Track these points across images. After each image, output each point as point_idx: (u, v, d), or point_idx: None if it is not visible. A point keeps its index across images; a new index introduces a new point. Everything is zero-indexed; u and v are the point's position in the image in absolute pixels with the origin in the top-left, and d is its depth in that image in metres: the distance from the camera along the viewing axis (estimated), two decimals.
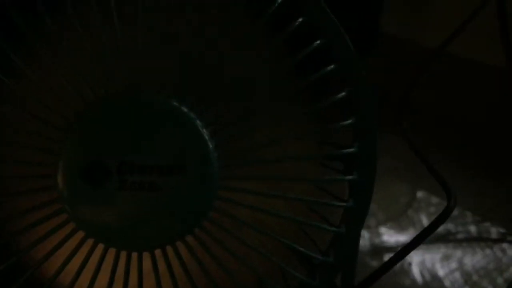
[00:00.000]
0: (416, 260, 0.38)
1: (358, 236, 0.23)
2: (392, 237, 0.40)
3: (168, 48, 0.20)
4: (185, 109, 0.20)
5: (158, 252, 0.21)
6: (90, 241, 0.20)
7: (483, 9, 0.39)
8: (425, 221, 0.41)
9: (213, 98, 0.20)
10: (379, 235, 0.40)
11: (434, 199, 0.43)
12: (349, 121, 0.22)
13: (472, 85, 0.49)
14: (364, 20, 0.45)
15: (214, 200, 0.20)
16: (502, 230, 0.40)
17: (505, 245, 0.39)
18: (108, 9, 0.20)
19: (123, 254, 0.20)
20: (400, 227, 0.41)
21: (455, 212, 0.40)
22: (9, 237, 0.21)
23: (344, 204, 0.22)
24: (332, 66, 0.21)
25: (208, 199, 0.20)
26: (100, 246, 0.20)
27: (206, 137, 0.20)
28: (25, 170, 0.20)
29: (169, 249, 0.21)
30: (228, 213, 0.21)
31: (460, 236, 0.41)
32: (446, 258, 0.38)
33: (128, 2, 0.20)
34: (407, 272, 0.36)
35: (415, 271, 0.37)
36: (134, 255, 0.21)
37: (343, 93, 0.21)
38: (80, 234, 0.20)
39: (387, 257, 0.33)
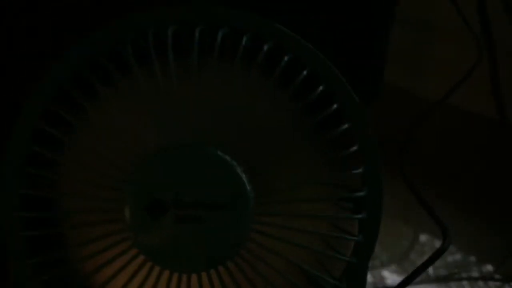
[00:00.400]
0: None
1: (366, 268, 0.27)
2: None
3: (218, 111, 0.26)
4: (228, 158, 0.25)
5: (204, 275, 0.25)
6: (148, 264, 0.25)
7: (480, 63, 0.44)
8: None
9: (252, 151, 0.25)
10: (382, 278, 0.43)
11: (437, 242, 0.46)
12: (359, 170, 0.26)
13: (471, 136, 0.54)
14: (369, 71, 0.50)
15: (250, 232, 0.25)
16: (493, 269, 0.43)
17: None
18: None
19: (175, 276, 0.25)
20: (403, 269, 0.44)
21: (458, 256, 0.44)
22: (82, 260, 0.25)
23: (355, 238, 0.27)
24: (346, 126, 0.26)
25: (245, 231, 0.25)
26: (156, 269, 0.25)
27: (245, 180, 0.25)
28: (99, 204, 0.25)
29: (212, 272, 0.25)
30: (261, 243, 0.25)
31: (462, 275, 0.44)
32: None
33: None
34: None
35: None
36: (184, 277, 0.25)
37: (355, 148, 0.26)
38: (140, 259, 0.25)
39: None
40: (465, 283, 0.43)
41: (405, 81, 0.57)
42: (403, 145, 0.44)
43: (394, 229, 0.47)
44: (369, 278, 0.42)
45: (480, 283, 0.43)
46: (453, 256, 0.45)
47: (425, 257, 0.39)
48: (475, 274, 0.44)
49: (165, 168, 0.25)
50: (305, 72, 0.26)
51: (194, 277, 0.25)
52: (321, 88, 0.26)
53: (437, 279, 0.43)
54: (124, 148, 0.25)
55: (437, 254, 0.29)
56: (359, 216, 0.27)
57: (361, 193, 0.27)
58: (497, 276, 0.42)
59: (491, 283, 0.42)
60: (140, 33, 0.26)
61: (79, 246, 0.26)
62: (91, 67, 0.26)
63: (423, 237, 0.47)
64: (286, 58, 0.26)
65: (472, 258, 0.46)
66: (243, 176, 0.25)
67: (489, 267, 0.44)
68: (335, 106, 0.26)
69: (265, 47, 0.26)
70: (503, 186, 0.48)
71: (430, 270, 0.43)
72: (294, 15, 0.41)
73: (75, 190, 0.26)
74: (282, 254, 0.26)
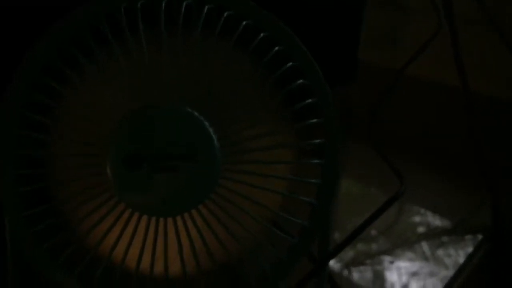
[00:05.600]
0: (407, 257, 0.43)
1: (328, 209, 0.30)
2: None
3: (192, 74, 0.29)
4: (196, 114, 0.28)
5: (178, 218, 0.28)
6: (128, 211, 0.28)
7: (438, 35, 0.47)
8: None
9: (218, 107, 0.28)
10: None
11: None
12: (316, 120, 0.30)
13: (434, 103, 0.56)
14: (344, 51, 0.53)
15: (220, 179, 0.28)
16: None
17: None
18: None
19: (153, 220, 0.28)
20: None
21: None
22: (69, 212, 0.28)
23: (315, 181, 0.30)
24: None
25: (215, 177, 0.28)
26: (136, 215, 0.28)
27: (212, 133, 0.28)
28: (80, 159, 0.28)
29: (186, 216, 0.28)
30: (230, 188, 0.28)
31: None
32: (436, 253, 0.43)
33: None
34: None
35: None
36: (161, 220, 0.28)
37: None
38: (121, 207, 0.28)
39: None
40: (426, 241, 0.45)
41: (379, 59, 0.60)
42: (371, 113, 0.47)
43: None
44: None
45: (444, 238, 0.45)
46: (418, 217, 0.48)
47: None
48: (437, 231, 0.46)
49: (141, 126, 0.28)
50: (262, 34, 0.29)
51: (170, 220, 0.28)
52: (277, 48, 0.29)
53: (401, 238, 0.45)
54: (105, 111, 0.28)
55: (391, 200, 0.32)
56: (318, 161, 0.30)
57: (319, 141, 0.30)
58: (457, 231, 0.45)
59: (452, 238, 0.45)
60: (114, 8, 0.29)
61: (67, 199, 0.28)
62: (74, 43, 0.29)
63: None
64: (244, 23, 0.29)
65: (435, 217, 0.48)
66: (210, 129, 0.28)
67: (449, 224, 0.46)
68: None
69: (225, 14, 0.29)
70: (464, 149, 0.50)
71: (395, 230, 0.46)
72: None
73: (63, 150, 0.29)
74: (250, 198, 0.29)
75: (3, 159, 0.28)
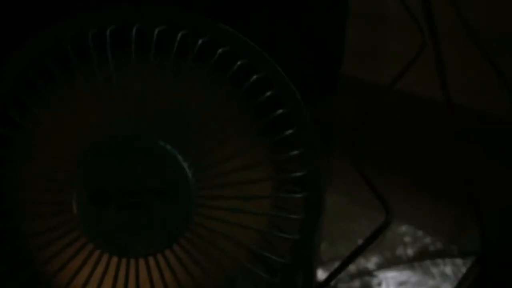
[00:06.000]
0: (400, 280, 0.41)
1: (312, 243, 0.29)
2: None
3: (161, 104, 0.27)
4: (169, 147, 0.26)
5: (151, 258, 0.26)
6: (97, 252, 0.26)
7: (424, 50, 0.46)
8: None
9: (191, 139, 0.27)
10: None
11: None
12: (297, 152, 0.28)
13: (420, 119, 0.55)
14: (324, 65, 0.52)
15: (194, 215, 0.26)
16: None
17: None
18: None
19: (123, 262, 0.26)
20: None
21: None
22: (35, 250, 0.26)
23: (297, 216, 0.28)
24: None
25: (189, 214, 0.26)
26: (105, 256, 0.26)
27: (185, 166, 0.26)
28: (44, 196, 0.26)
29: (159, 256, 0.26)
30: (205, 226, 0.26)
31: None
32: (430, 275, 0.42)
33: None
34: None
35: None
36: (132, 261, 0.26)
37: (291, 131, 0.28)
38: (89, 247, 0.26)
39: None
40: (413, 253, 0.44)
41: (361, 72, 0.59)
42: (354, 130, 0.45)
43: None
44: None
45: (438, 260, 0.44)
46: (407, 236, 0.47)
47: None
48: (430, 251, 0.45)
49: (108, 159, 0.26)
50: (239, 63, 0.28)
51: (141, 261, 0.26)
52: (255, 76, 0.27)
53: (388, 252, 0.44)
54: (69, 143, 0.26)
55: (380, 230, 0.31)
56: (299, 195, 0.28)
57: (300, 173, 0.28)
58: (451, 252, 0.44)
59: (446, 260, 0.44)
60: (81, 33, 0.27)
61: (31, 236, 0.27)
62: (35, 68, 0.27)
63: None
64: (220, 51, 0.27)
65: (426, 237, 0.47)
66: (183, 163, 0.26)
67: (440, 244, 0.46)
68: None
69: (200, 41, 0.27)
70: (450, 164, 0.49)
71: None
72: (249, 13, 0.42)
73: (25, 184, 0.27)
74: (227, 235, 0.27)
75: None
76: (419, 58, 0.47)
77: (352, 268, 0.41)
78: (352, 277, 0.40)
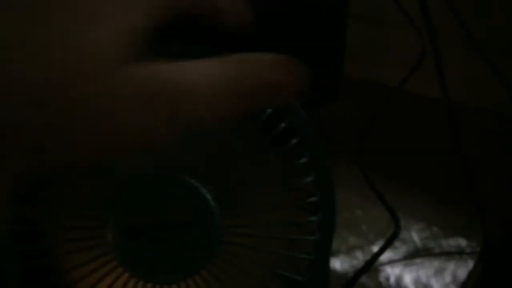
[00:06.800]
0: (411, 277, 0.44)
1: (327, 262, 0.31)
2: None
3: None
4: (198, 184, 0.28)
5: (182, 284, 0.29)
6: (133, 281, 0.29)
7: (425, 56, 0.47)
8: None
9: (215, 175, 0.29)
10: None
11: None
12: (311, 178, 0.30)
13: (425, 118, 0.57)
14: (327, 71, 0.53)
15: (220, 244, 0.29)
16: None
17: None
18: None
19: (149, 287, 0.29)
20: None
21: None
22: (74, 283, 0.29)
23: (312, 238, 0.31)
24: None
25: (216, 243, 0.29)
26: (140, 284, 0.29)
27: (210, 199, 0.28)
28: (84, 232, 0.29)
29: (189, 281, 0.29)
30: (231, 252, 0.29)
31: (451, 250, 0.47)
32: (440, 272, 0.44)
33: None
34: None
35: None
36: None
37: (305, 159, 0.30)
38: (125, 277, 0.29)
39: None
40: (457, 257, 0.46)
41: (364, 74, 0.60)
42: (362, 136, 0.47)
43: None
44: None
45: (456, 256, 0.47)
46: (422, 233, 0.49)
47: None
48: (438, 247, 0.47)
49: (139, 195, 0.28)
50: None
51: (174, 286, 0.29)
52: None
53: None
54: (104, 180, 0.29)
55: (393, 236, 0.33)
56: (315, 218, 0.31)
57: (315, 198, 0.30)
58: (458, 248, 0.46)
59: (464, 256, 0.46)
60: None
61: (69, 271, 0.29)
62: None
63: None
64: None
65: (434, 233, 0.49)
66: (208, 195, 0.28)
67: (447, 240, 0.47)
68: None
69: None
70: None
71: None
72: None
73: (61, 222, 0.29)
74: (252, 259, 0.29)
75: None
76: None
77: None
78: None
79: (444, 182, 0.53)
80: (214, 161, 0.29)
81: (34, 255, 0.29)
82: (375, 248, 0.47)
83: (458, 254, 0.47)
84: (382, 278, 0.44)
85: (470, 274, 0.44)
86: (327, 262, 0.31)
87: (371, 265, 0.33)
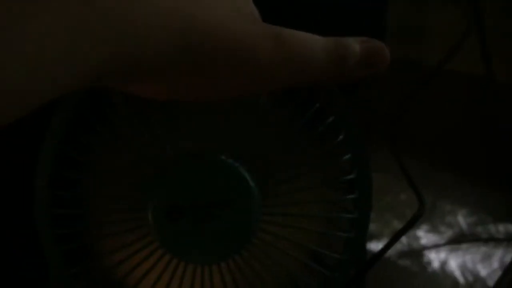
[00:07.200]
0: (457, 262, 0.43)
1: (363, 240, 0.31)
2: None
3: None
4: (232, 162, 0.29)
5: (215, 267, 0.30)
6: (174, 261, 0.29)
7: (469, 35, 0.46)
8: None
9: (256, 158, 0.29)
10: None
11: None
12: (347, 156, 0.30)
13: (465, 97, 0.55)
14: None
15: (259, 223, 0.29)
16: None
17: None
18: None
19: (190, 267, 0.29)
20: None
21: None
22: (115, 266, 0.30)
23: (350, 215, 0.31)
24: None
25: (255, 222, 0.29)
26: (182, 264, 0.30)
27: (248, 179, 0.29)
28: (125, 215, 0.30)
29: (229, 261, 0.29)
30: (271, 231, 0.29)
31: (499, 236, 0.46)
32: (487, 258, 0.43)
33: None
34: (448, 274, 0.41)
35: (457, 273, 0.42)
36: (198, 268, 0.30)
37: (341, 137, 0.30)
38: (161, 251, 0.29)
39: None
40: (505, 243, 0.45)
41: (405, 53, 0.59)
42: (394, 118, 0.46)
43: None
44: None
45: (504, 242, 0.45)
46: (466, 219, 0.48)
47: None
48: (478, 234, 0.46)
49: (179, 176, 0.29)
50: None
51: (206, 269, 0.30)
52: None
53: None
54: (143, 162, 0.30)
55: (412, 221, 0.32)
56: (352, 196, 0.31)
57: (351, 176, 0.30)
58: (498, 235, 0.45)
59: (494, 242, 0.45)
60: None
61: (111, 253, 0.30)
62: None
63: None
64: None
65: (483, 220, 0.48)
66: (247, 175, 0.29)
67: (487, 227, 0.46)
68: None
69: None
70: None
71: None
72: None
73: (103, 205, 0.30)
74: (289, 238, 0.30)
75: (43, 220, 0.30)
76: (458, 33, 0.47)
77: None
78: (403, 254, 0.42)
79: (490, 166, 0.51)
80: (253, 141, 0.30)
81: (74, 239, 0.31)
82: (420, 233, 0.46)
83: (506, 240, 0.45)
84: (425, 262, 0.43)
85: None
86: (364, 241, 0.31)
87: (391, 245, 0.33)
